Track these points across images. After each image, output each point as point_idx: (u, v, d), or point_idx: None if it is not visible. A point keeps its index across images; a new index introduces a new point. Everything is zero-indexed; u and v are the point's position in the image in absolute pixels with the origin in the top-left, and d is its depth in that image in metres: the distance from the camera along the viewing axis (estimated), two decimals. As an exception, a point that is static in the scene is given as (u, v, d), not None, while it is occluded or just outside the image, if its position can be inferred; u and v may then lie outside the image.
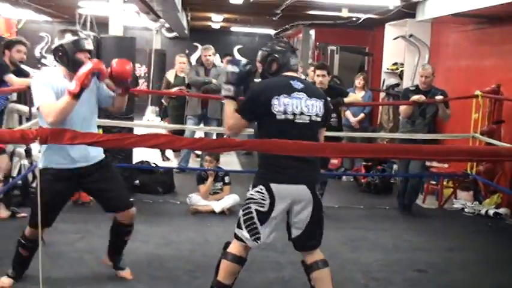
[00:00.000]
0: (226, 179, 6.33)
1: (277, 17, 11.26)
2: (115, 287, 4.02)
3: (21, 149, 5.70)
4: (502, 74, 6.91)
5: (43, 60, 15.79)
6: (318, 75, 5.98)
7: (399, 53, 9.43)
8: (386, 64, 9.87)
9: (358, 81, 8.65)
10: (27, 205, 5.41)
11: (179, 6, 9.08)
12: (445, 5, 7.03)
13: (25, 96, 6.57)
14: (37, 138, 2.18)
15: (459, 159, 2.85)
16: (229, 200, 6.13)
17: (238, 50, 17.50)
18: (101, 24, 7.90)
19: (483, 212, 6.53)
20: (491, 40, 7.32)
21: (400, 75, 9.39)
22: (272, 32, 16.91)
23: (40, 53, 16.51)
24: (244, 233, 3.35)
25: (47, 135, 2.25)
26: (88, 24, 7.88)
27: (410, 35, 8.71)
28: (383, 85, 9.81)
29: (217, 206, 6.04)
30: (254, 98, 3.32)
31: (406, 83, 8.64)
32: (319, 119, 3.35)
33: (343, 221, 6.08)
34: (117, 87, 3.72)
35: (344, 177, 8.28)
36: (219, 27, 16.05)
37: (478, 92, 6.59)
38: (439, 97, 6.12)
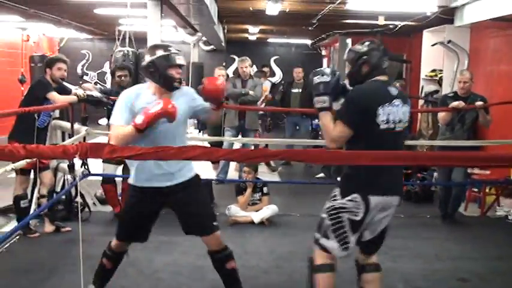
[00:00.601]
0: (265, 189, 6.35)
1: (313, 27, 11.28)
2: (156, 298, 4.06)
3: (64, 164, 5.83)
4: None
5: (85, 77, 16.14)
6: None
7: (438, 60, 9.31)
8: (425, 71, 9.77)
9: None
10: (71, 219, 5.54)
11: (215, 19, 9.19)
12: (483, 10, 6.93)
13: (67, 113, 6.73)
14: (77, 153, 2.24)
15: (500, 165, 2.81)
16: (268, 210, 6.14)
17: (275, 61, 17.55)
18: (140, 39, 8.05)
19: (528, 219, 6.39)
20: (532, 44, 7.18)
21: (439, 82, 9.28)
22: (308, 42, 16.93)
23: (81, 69, 16.90)
24: (332, 243, 3.23)
25: (86, 150, 2.31)
26: (127, 40, 8.02)
27: (449, 41, 8.60)
28: (421, 92, 9.70)
29: (256, 216, 6.06)
30: (357, 106, 3.14)
31: (445, 90, 8.53)
32: (407, 125, 3.31)
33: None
34: (211, 103, 3.64)
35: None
36: (255, 39, 16.15)
37: (519, 97, 6.46)
38: (479, 103, 6.03)
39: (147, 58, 3.46)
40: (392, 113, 3.14)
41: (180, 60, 3.49)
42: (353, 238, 3.23)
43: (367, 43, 3.33)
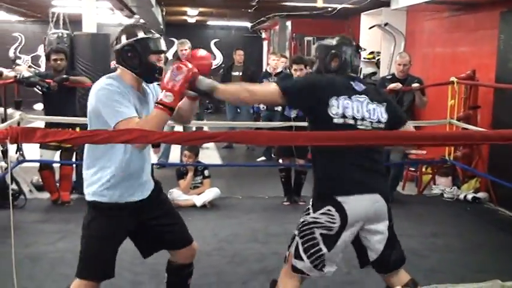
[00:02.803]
0: (206, 172, 6.32)
1: (253, 9, 11.24)
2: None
3: (-4, 150, 5.64)
4: (477, 60, 6.97)
5: (18, 61, 15.59)
6: (295, 70, 5.98)
7: (375, 42, 9.46)
8: (363, 53, 9.90)
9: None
10: (4, 206, 5.33)
11: (153, 1, 9.03)
12: (418, -7, 7.07)
13: (-1, 97, 6.49)
14: (7, 137, 2.14)
15: (434, 144, 2.85)
16: (210, 193, 6.13)
17: (215, 44, 17.44)
18: (75, 22, 7.81)
19: (462, 196, 6.60)
20: (465, 26, 7.38)
21: (377, 64, 9.44)
22: (248, 24, 16.89)
23: (14, 53, 16.30)
24: (305, 264, 2.84)
25: (17, 134, 2.21)
26: (61, 22, 7.77)
27: (386, 24, 8.75)
28: (360, 74, 9.83)
29: (198, 200, 6.03)
30: (309, 88, 2.91)
31: (383, 72, 8.69)
32: (382, 126, 2.93)
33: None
34: (189, 90, 2.80)
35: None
36: (194, 22, 15.99)
37: (453, 79, 6.65)
38: (415, 85, 6.16)
39: (123, 40, 2.83)
40: (352, 108, 2.85)
41: (163, 45, 2.92)
42: (330, 256, 2.84)
43: (337, 38, 3.13)
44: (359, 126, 2.86)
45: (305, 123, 5.84)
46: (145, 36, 2.84)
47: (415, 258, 4.64)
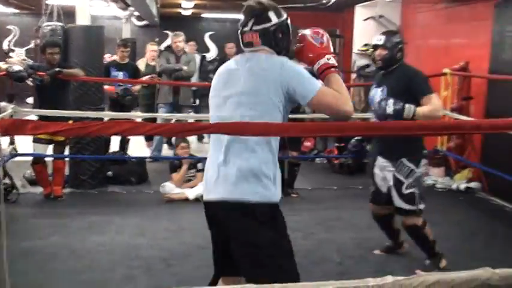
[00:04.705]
0: (199, 165, 6.31)
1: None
2: (90, 279, 3.98)
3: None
4: (470, 51, 6.98)
5: (11, 54, 15.50)
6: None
7: (370, 34, 9.44)
8: (357, 45, 9.91)
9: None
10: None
11: (147, -6, 9.00)
12: (412, -16, 7.07)
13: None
14: (-2, 129, 2.14)
15: (427, 134, 2.88)
16: (203, 187, 6.11)
17: (210, 37, 17.37)
18: (69, 14, 7.76)
19: (454, 187, 6.64)
20: (460, 18, 7.38)
21: (371, 56, 9.42)
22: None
23: (8, 45, 16.21)
24: (422, 206, 4.03)
25: (8, 126, 2.21)
26: (55, 14, 7.72)
27: (380, 16, 8.76)
28: (354, 66, 9.85)
29: (191, 193, 6.03)
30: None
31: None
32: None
33: (317, 202, 6.13)
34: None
35: (317, 159, 8.31)
36: (189, 14, 15.92)
37: (446, 70, 6.66)
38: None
39: (274, 19, 2.55)
40: None
41: None
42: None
43: (394, 32, 4.34)
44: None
45: (298, 115, 5.92)
46: (287, 17, 2.63)
47: (410, 247, 4.65)
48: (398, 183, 3.97)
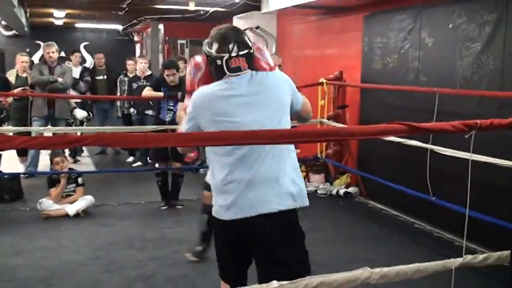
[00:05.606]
0: (80, 180, 6.07)
1: (124, 12, 10.99)
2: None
3: None
4: (343, 61, 7.29)
5: None
6: (167, 75, 6.02)
7: (247, 45, 9.61)
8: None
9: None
10: None
11: (15, 2, 8.54)
12: (288, -3, 7.27)
13: None
14: None
15: (306, 141, 2.94)
16: (83, 201, 5.89)
17: (85, 47, 16.84)
18: None
19: (334, 192, 6.89)
20: (332, 30, 7.69)
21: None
22: (120, 27, 16.50)
23: None
24: None
25: None
26: None
27: (257, 27, 8.92)
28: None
29: (71, 209, 5.78)
30: None
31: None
32: None
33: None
34: None
35: (201, 169, 8.28)
36: (62, 24, 15.34)
37: (322, 80, 6.91)
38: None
39: (250, 43, 2.69)
40: None
41: None
42: None
43: None
44: None
45: (161, 127, 5.87)
46: None
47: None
48: None
